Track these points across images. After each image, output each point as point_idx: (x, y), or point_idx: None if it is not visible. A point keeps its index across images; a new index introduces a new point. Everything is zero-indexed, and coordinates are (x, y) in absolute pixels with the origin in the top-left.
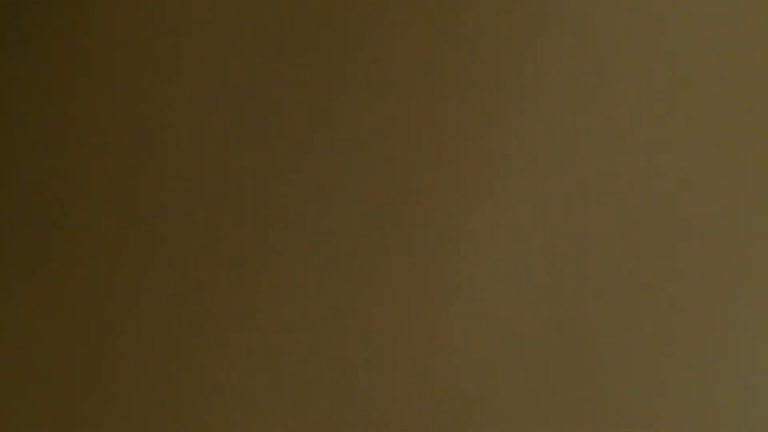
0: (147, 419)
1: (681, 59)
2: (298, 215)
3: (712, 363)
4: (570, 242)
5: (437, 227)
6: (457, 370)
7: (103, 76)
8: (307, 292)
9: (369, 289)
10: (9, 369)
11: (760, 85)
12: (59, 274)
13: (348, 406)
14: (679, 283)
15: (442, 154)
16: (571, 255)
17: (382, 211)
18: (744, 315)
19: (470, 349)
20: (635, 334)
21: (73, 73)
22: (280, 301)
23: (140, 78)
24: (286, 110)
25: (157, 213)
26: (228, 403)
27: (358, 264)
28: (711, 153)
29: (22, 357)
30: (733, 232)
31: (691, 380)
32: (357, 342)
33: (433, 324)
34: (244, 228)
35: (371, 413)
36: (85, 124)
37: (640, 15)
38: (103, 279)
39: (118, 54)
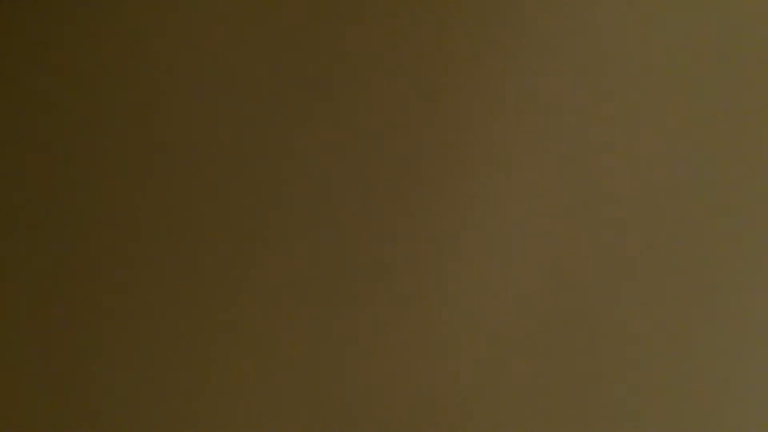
0: (142, 418)
1: (681, 56)
2: (296, 214)
3: (713, 362)
4: (570, 241)
5: (436, 226)
6: (456, 369)
7: (98, 74)
8: (304, 290)
9: (368, 288)
10: (6, 368)
11: (761, 82)
12: (53, 271)
13: (345, 406)
14: (680, 281)
15: (442, 152)
16: (571, 253)
17: (382, 210)
18: (749, 312)
19: (469, 348)
20: (636, 333)
21: (70, 71)
22: (277, 300)
23: (136, 75)
24: (286, 109)
25: (155, 211)
26: (224, 401)
27: (356, 262)
28: (713, 150)
29: (15, 355)
30: (735, 230)
31: (691, 379)
32: (356, 341)
33: (432, 322)
34: (240, 226)
35: (370, 413)
36: (83, 123)
37: (642, 12)
38: (98, 277)
39: (116, 52)
